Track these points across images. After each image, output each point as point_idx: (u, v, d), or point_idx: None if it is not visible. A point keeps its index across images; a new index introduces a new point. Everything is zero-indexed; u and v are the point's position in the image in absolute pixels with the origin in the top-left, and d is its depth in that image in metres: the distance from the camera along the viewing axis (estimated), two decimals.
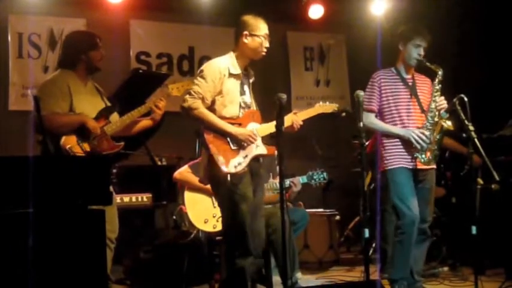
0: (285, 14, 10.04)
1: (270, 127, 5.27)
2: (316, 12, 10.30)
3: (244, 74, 5.34)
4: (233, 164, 5.09)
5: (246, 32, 5.24)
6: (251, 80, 5.44)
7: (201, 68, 5.26)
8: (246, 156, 5.17)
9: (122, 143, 5.54)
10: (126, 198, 6.90)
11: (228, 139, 5.12)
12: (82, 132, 5.27)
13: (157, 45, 10.02)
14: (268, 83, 9.74)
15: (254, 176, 5.28)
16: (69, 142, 5.20)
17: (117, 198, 6.42)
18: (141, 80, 6.94)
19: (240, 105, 5.24)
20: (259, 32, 5.26)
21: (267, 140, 5.42)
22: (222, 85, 5.13)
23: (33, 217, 3.68)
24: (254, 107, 5.39)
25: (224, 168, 5.04)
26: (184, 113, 5.10)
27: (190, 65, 10.15)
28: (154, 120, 5.68)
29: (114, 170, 6.58)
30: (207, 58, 9.29)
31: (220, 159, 5.05)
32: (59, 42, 9.10)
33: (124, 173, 6.87)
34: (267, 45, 5.32)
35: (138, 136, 5.91)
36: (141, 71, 7.99)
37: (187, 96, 5.08)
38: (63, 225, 3.80)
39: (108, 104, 5.65)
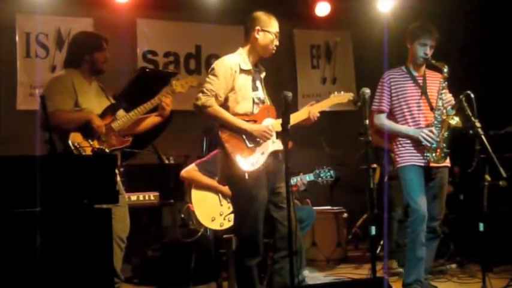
0: (292, 12, 10.02)
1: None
2: (322, 9, 10.31)
3: (255, 69, 5.30)
4: (250, 161, 5.02)
5: (258, 28, 5.20)
6: (262, 75, 5.41)
7: (212, 66, 5.21)
8: (263, 153, 5.10)
9: (131, 138, 5.56)
10: (134, 197, 6.93)
11: (244, 137, 5.06)
12: (87, 130, 5.29)
13: (164, 43, 10.04)
14: (275, 80, 9.71)
15: (272, 174, 5.17)
16: (77, 139, 5.22)
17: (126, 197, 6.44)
18: (148, 79, 6.96)
19: (254, 101, 5.20)
20: (271, 28, 5.23)
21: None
22: (234, 81, 5.10)
23: (40, 216, 3.69)
24: (268, 102, 5.34)
25: (241, 167, 4.98)
26: (197, 111, 5.05)
27: (197, 63, 10.16)
28: (162, 116, 5.67)
29: (122, 169, 6.59)
30: (214, 56, 9.35)
31: (237, 158, 4.99)
32: (67, 42, 9.11)
33: (131, 172, 6.89)
34: (277, 43, 5.29)
35: (146, 134, 5.90)
36: (147, 69, 8.01)
37: (200, 94, 5.03)
38: (70, 224, 3.80)
39: (113, 102, 5.67)
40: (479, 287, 5.52)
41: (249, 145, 5.06)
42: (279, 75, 10.00)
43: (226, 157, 5.06)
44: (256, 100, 5.22)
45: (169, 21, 10.08)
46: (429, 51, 5.72)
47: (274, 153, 5.20)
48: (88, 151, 5.22)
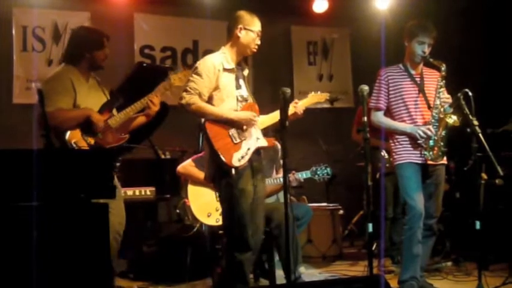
0: (289, 8, 10.04)
1: (269, 119, 5.46)
2: (320, 6, 10.32)
3: (238, 68, 5.40)
4: (236, 157, 5.12)
5: (240, 26, 5.29)
6: (245, 73, 5.50)
7: (196, 65, 5.31)
8: (249, 149, 5.21)
9: (127, 136, 5.56)
10: (130, 192, 6.92)
11: (230, 133, 5.17)
12: (86, 126, 5.27)
13: (162, 38, 10.02)
14: (272, 77, 9.76)
15: (255, 170, 5.32)
16: (74, 137, 5.21)
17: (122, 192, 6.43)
18: (145, 74, 6.93)
19: (237, 99, 5.29)
20: (253, 27, 5.33)
21: (267, 132, 5.57)
22: (217, 80, 5.19)
23: (36, 210, 3.68)
24: (251, 99, 5.41)
25: (228, 162, 5.08)
26: (183, 109, 5.17)
27: (194, 58, 10.11)
28: (148, 116, 5.67)
29: (118, 164, 6.58)
30: (211, 52, 9.27)
31: (223, 154, 5.08)
32: (63, 36, 9.12)
33: (127, 167, 6.87)
34: (259, 42, 5.38)
35: (142, 129, 5.90)
36: (145, 64, 7.99)
37: (184, 93, 5.15)
38: (67, 218, 3.80)
39: (110, 97, 5.67)
40: (475, 285, 5.53)
41: (235, 141, 5.18)
42: (275, 72, 10.02)
43: (213, 153, 5.14)
44: (240, 98, 5.32)
45: (166, 16, 10.06)
46: (427, 50, 5.72)
47: (257, 150, 5.34)
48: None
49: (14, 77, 9.03)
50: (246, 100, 5.34)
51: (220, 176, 5.21)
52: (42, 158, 3.78)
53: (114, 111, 5.57)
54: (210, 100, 5.19)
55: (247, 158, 5.17)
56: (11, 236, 3.67)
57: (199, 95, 5.12)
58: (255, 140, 5.28)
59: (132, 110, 5.53)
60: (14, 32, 9.03)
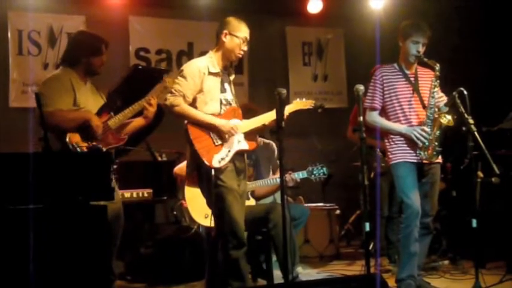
0: (284, 9, 10.05)
1: (251, 123, 5.49)
2: (315, 6, 10.31)
3: (224, 72, 5.47)
4: (217, 159, 5.21)
5: (225, 31, 5.39)
6: (232, 78, 5.59)
7: (181, 68, 5.44)
8: (229, 151, 5.28)
9: (127, 136, 5.58)
10: (127, 194, 6.93)
11: (211, 135, 5.26)
12: (86, 131, 5.29)
13: (157, 41, 10.02)
14: (267, 77, 9.77)
15: (238, 171, 5.39)
16: (74, 138, 5.23)
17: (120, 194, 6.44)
18: (141, 76, 6.94)
19: (221, 102, 5.37)
20: (239, 33, 5.40)
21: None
22: (202, 83, 5.28)
23: (34, 213, 3.70)
24: (234, 104, 5.50)
25: (208, 163, 5.16)
26: (167, 111, 5.29)
27: (189, 60, 10.12)
28: (147, 118, 5.70)
29: (115, 166, 6.59)
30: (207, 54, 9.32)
31: (204, 155, 5.17)
32: (59, 39, 9.17)
33: (125, 169, 6.88)
34: (245, 48, 5.46)
35: (139, 131, 5.92)
36: (140, 67, 8.00)
37: (168, 95, 5.25)
38: (65, 221, 3.81)
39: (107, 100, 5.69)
40: (472, 283, 5.55)
41: (216, 143, 5.27)
42: (271, 72, 10.02)
43: (193, 154, 5.24)
44: (224, 101, 5.40)
45: (161, 18, 10.07)
46: (421, 49, 5.73)
47: (240, 153, 5.41)
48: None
49: (10, 81, 9.04)
50: (230, 104, 5.44)
51: (202, 177, 5.32)
52: (40, 161, 3.80)
53: (112, 113, 5.59)
54: (193, 102, 5.28)
55: (227, 159, 5.25)
56: (9, 239, 3.68)
57: (184, 96, 5.21)
58: (236, 142, 5.34)
59: (131, 112, 5.56)
60: (9, 35, 9.04)
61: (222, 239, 5.31)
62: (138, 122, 5.72)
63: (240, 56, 5.49)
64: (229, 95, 5.46)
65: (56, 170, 3.86)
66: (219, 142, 5.26)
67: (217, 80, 5.37)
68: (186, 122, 5.28)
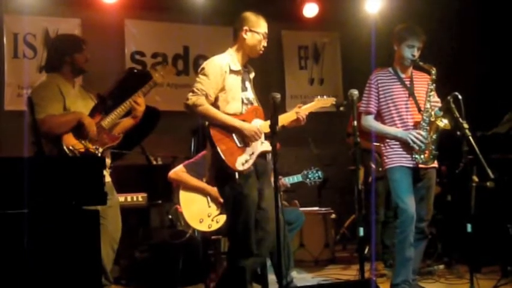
0: (280, 13, 10.02)
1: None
2: (310, 10, 10.33)
3: (244, 70, 5.31)
4: (240, 161, 5.02)
5: (246, 28, 5.21)
6: (251, 76, 5.42)
7: (202, 66, 5.21)
8: (253, 153, 5.10)
9: (121, 135, 5.56)
10: (122, 198, 6.88)
11: (234, 137, 5.06)
12: (79, 130, 5.27)
13: (152, 44, 10.01)
14: (263, 81, 9.74)
15: (260, 174, 5.20)
16: (70, 142, 5.21)
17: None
18: (136, 79, 6.93)
19: (243, 101, 5.20)
20: (259, 29, 5.24)
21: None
22: (224, 81, 5.10)
23: (27, 218, 3.68)
24: (256, 103, 5.34)
25: (232, 166, 4.98)
26: (188, 110, 5.06)
27: (185, 64, 10.15)
28: (135, 117, 5.65)
29: (110, 170, 6.58)
30: (202, 57, 9.33)
31: (228, 158, 4.98)
32: None
33: (119, 173, 6.85)
34: (265, 44, 5.30)
35: (134, 135, 5.90)
36: (135, 70, 7.99)
37: (190, 94, 5.04)
38: (58, 225, 3.79)
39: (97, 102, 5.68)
40: (467, 287, 5.55)
41: (239, 145, 5.06)
42: (267, 76, 10.00)
43: (216, 156, 5.03)
44: (245, 100, 5.22)
45: (157, 22, 10.06)
46: (416, 53, 5.74)
47: (262, 154, 5.22)
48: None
49: (5, 84, 9.03)
50: (251, 103, 5.27)
51: (223, 180, 5.12)
52: (32, 165, 3.78)
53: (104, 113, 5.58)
54: (215, 101, 5.09)
55: (251, 162, 5.07)
56: (1, 243, 3.66)
57: (206, 96, 5.02)
58: (259, 143, 5.15)
59: (123, 110, 5.53)
60: (5, 39, 9.04)
61: (231, 245, 5.26)
62: (127, 122, 5.67)
63: (261, 52, 5.32)
64: (250, 94, 5.30)
65: (48, 174, 3.84)
66: (242, 144, 5.08)
67: (238, 78, 5.21)
68: (207, 123, 5.10)
